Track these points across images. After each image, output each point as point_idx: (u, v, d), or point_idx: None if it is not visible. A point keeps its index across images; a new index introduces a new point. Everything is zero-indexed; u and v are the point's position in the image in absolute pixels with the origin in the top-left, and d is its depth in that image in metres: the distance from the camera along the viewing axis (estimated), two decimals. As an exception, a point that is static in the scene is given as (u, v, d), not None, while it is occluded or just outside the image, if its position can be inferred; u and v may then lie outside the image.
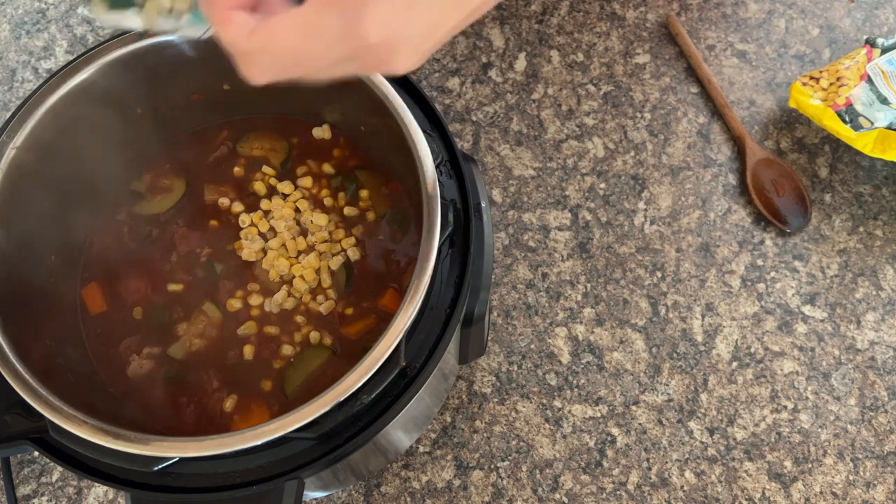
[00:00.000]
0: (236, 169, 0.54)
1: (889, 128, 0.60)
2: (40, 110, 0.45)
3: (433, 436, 0.58)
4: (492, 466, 0.57)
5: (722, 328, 0.61)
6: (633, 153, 0.67)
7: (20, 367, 0.40)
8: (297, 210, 0.52)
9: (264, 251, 0.51)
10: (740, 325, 0.61)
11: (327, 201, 0.53)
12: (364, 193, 0.52)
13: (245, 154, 0.54)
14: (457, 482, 0.56)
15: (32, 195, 0.46)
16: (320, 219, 0.51)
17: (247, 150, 0.54)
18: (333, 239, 0.51)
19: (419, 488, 0.56)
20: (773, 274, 0.62)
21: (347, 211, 0.52)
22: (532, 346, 0.60)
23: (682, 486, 0.56)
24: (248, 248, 0.50)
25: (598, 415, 0.58)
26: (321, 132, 0.54)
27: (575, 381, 0.59)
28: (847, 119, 0.62)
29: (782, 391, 0.59)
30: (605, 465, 0.57)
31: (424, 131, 0.44)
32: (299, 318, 0.49)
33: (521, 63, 0.71)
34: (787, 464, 0.57)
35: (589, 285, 0.62)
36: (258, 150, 0.54)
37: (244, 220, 0.52)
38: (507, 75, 0.71)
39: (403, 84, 0.48)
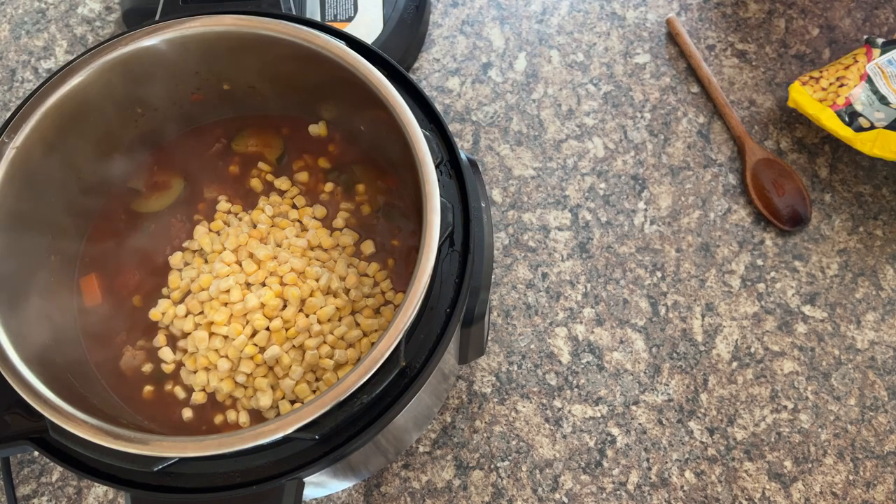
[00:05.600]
0: (232, 167, 0.54)
1: (889, 128, 0.60)
2: (40, 110, 0.45)
3: (433, 436, 0.58)
4: (492, 466, 0.57)
5: (722, 328, 0.61)
6: (633, 153, 0.67)
7: (20, 367, 0.40)
8: (297, 222, 0.52)
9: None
10: (740, 324, 0.61)
11: (323, 196, 0.53)
12: (360, 188, 0.52)
13: (240, 151, 0.54)
14: (457, 482, 0.56)
15: (33, 195, 0.46)
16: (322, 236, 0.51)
17: (242, 147, 0.54)
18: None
19: (419, 488, 0.56)
20: (773, 274, 0.63)
21: (343, 206, 0.52)
22: (532, 346, 0.60)
23: (682, 486, 0.56)
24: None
25: (598, 415, 0.58)
26: (317, 129, 0.54)
27: (575, 381, 0.59)
28: (847, 119, 0.62)
29: (782, 391, 0.59)
30: (605, 465, 0.57)
31: (424, 131, 0.44)
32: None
33: (521, 63, 0.71)
34: (787, 464, 0.57)
35: (589, 285, 0.62)
36: (253, 146, 0.54)
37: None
38: (507, 75, 0.71)
39: (403, 83, 0.48)
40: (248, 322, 0.47)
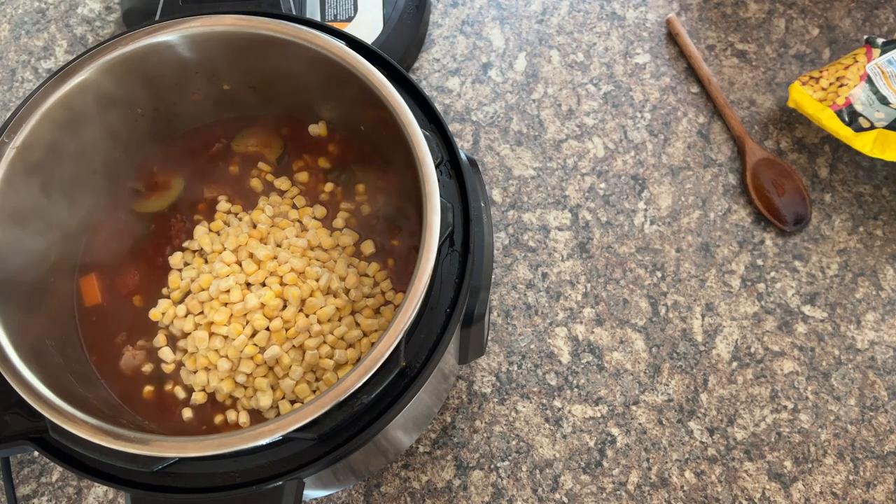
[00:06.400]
0: (232, 167, 0.54)
1: (889, 128, 0.60)
2: (40, 110, 0.45)
3: (433, 436, 0.58)
4: (492, 466, 0.57)
5: (722, 328, 0.61)
6: (633, 153, 0.67)
7: (20, 367, 0.40)
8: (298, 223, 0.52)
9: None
10: (740, 324, 0.61)
11: (323, 196, 0.53)
12: (360, 188, 0.52)
13: (240, 151, 0.54)
14: (457, 482, 0.56)
15: (32, 195, 0.46)
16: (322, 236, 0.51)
17: (242, 147, 0.54)
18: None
19: (419, 488, 0.56)
20: (773, 274, 0.63)
21: (343, 206, 0.52)
22: (532, 346, 0.60)
23: (682, 486, 0.56)
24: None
25: (598, 415, 0.58)
26: (317, 129, 0.54)
27: (575, 381, 0.59)
28: (846, 119, 0.62)
29: (782, 391, 0.59)
30: (605, 465, 0.57)
31: (424, 131, 0.44)
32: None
33: (521, 63, 0.71)
34: (787, 464, 0.57)
35: (589, 285, 0.62)
36: (253, 146, 0.54)
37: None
38: (507, 75, 0.71)
39: (403, 83, 0.48)
40: (248, 322, 0.47)
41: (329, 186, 0.53)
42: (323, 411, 0.37)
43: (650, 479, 0.56)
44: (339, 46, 0.46)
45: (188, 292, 0.50)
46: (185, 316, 0.48)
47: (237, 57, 0.49)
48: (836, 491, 0.56)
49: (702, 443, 0.57)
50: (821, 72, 0.66)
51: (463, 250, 0.44)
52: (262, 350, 0.47)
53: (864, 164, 0.66)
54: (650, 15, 0.73)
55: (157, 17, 0.51)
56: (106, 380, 0.48)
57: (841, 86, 0.63)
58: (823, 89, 0.64)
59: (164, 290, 0.50)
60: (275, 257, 0.49)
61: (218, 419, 0.47)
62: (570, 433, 0.58)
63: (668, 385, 0.59)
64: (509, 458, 0.57)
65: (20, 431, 0.41)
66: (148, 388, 0.48)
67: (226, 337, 0.47)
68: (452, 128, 0.68)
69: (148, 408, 0.48)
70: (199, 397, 0.47)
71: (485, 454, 0.57)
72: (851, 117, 0.62)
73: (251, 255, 0.49)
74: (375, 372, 0.38)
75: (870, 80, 0.62)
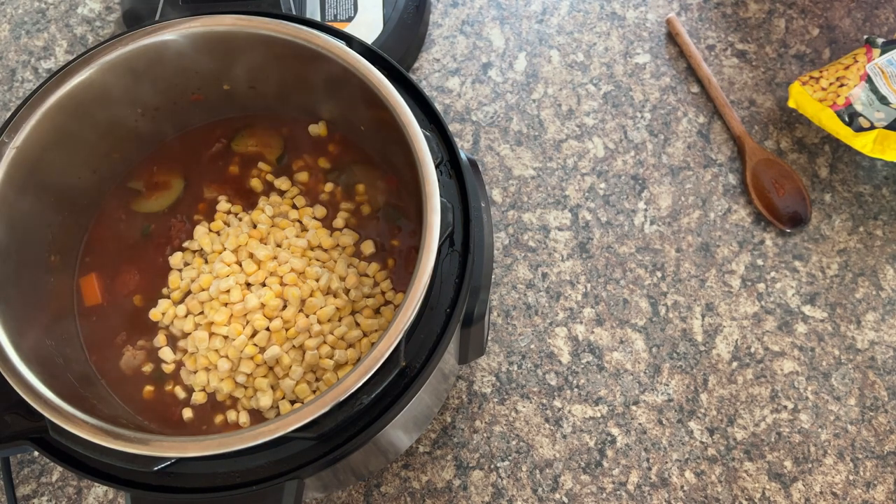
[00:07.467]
0: (232, 167, 0.54)
1: (889, 128, 0.60)
2: (40, 110, 0.45)
3: (433, 436, 0.58)
4: (492, 466, 0.57)
5: (722, 328, 0.61)
6: (633, 153, 0.67)
7: (20, 367, 0.40)
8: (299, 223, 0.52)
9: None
10: (740, 325, 0.61)
11: (323, 196, 0.53)
12: (360, 188, 0.52)
13: (240, 151, 0.54)
14: (457, 482, 0.56)
15: (33, 195, 0.46)
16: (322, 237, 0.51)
17: (242, 147, 0.54)
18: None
19: (419, 488, 0.56)
20: (773, 274, 0.63)
21: (343, 206, 0.52)
22: (532, 346, 0.60)
23: (682, 486, 0.56)
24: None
25: (598, 415, 0.58)
26: (317, 129, 0.54)
27: (575, 381, 0.59)
28: (846, 119, 0.62)
29: (782, 391, 0.59)
30: (605, 465, 0.57)
31: (424, 131, 0.44)
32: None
33: (521, 63, 0.71)
34: (787, 464, 0.57)
35: (589, 285, 0.62)
36: (253, 146, 0.54)
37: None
38: (507, 75, 0.71)
39: (403, 84, 0.48)
40: (248, 322, 0.47)
41: (329, 186, 0.53)
42: (323, 411, 0.37)
43: (650, 479, 0.56)
44: (339, 46, 0.46)
45: (188, 292, 0.50)
46: (186, 316, 0.48)
47: (237, 57, 0.49)
48: (836, 491, 0.56)
49: (702, 443, 0.57)
50: (821, 72, 0.66)
51: (463, 250, 0.44)
52: (262, 350, 0.47)
53: (864, 164, 0.66)
54: (650, 15, 0.73)
55: (157, 17, 0.51)
56: (106, 380, 0.48)
57: (841, 86, 0.63)
58: (823, 89, 0.64)
59: (164, 290, 0.50)
60: (275, 257, 0.49)
61: (218, 419, 0.47)
62: (570, 433, 0.58)
63: (668, 385, 0.59)
64: (509, 458, 0.57)
65: (20, 431, 0.41)
66: (148, 388, 0.48)
67: (226, 337, 0.47)
68: (452, 128, 0.68)
69: (148, 408, 0.48)
70: (199, 397, 0.47)
71: (485, 454, 0.57)
72: (851, 117, 0.62)
73: (251, 256, 0.49)
74: (375, 372, 0.38)
75: (870, 80, 0.62)
